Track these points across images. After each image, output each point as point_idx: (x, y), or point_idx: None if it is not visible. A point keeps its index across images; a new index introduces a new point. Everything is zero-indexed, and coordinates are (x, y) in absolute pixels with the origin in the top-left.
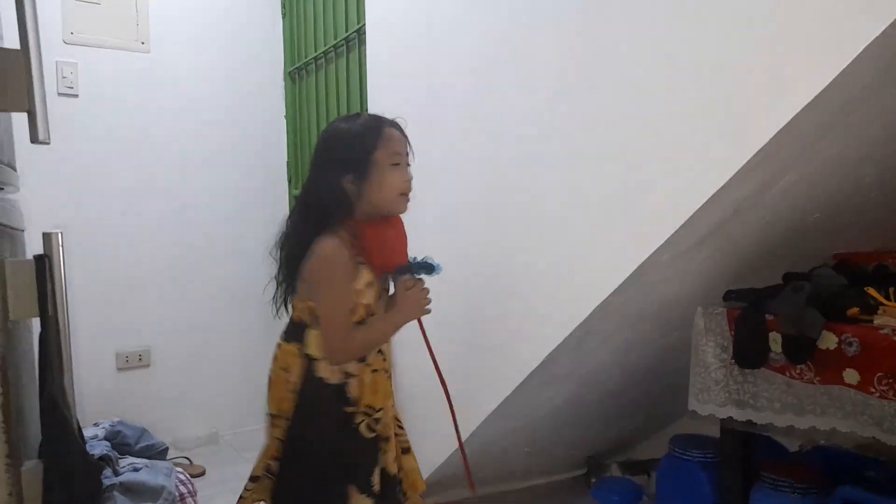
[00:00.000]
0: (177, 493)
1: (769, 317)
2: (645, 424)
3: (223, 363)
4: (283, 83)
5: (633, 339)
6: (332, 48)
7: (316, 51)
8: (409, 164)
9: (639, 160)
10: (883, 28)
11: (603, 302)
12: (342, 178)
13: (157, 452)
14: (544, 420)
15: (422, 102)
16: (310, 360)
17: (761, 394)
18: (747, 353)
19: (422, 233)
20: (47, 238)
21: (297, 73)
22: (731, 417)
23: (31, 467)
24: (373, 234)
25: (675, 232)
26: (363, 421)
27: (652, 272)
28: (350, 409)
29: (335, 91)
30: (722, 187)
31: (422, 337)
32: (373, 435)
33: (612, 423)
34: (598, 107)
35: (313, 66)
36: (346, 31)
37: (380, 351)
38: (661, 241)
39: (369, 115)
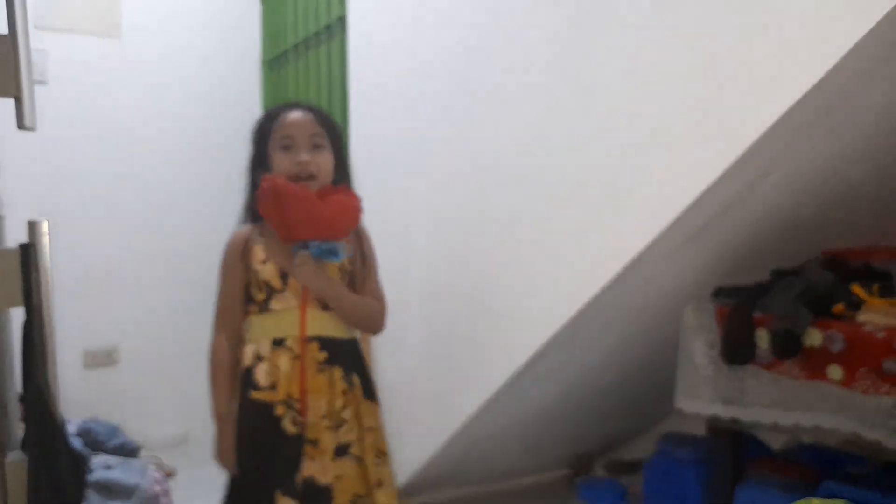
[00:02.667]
0: (151, 492)
1: (758, 314)
2: (633, 423)
3: (194, 361)
4: (260, 72)
5: (622, 336)
6: (312, 36)
7: (296, 38)
8: (316, 146)
9: (628, 157)
10: (868, 28)
11: (591, 299)
12: (260, 172)
13: (129, 451)
14: (530, 419)
15: (405, 92)
16: None
17: (748, 390)
18: (734, 349)
19: (407, 226)
20: (32, 226)
21: (275, 62)
22: (716, 415)
23: (15, 459)
24: (274, 204)
25: (665, 229)
26: (286, 414)
27: (641, 269)
28: (258, 395)
29: (316, 79)
30: (711, 184)
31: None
32: (296, 429)
33: (599, 421)
34: (588, 102)
35: (292, 54)
36: (328, 19)
37: (316, 339)
38: (651, 238)
39: (282, 103)
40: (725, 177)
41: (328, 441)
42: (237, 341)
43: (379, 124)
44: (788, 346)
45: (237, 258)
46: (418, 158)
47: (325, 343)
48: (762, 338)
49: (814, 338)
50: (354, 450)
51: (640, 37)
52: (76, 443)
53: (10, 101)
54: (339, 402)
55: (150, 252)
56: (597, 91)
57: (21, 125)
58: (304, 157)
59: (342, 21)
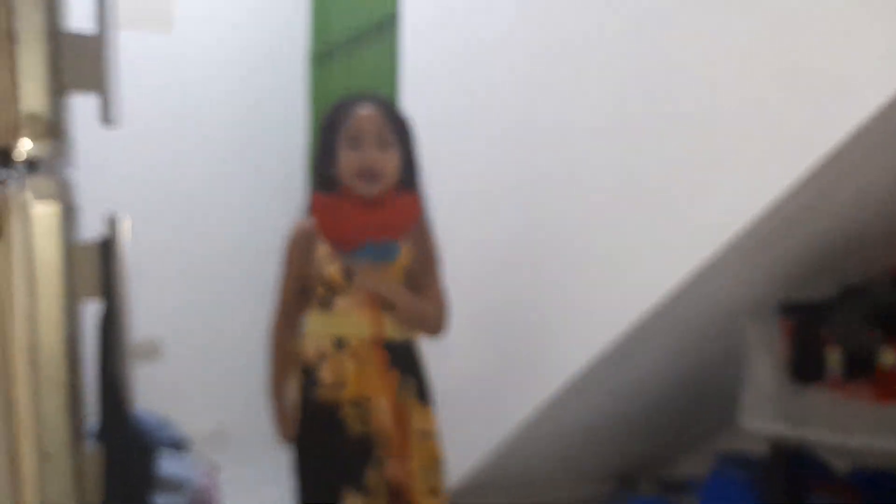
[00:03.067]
0: (200, 487)
1: (826, 331)
2: (682, 440)
3: (235, 355)
4: (307, 67)
5: (675, 351)
6: (362, 33)
7: (345, 35)
8: (383, 145)
9: (698, 162)
10: None
11: (646, 313)
12: (326, 165)
13: (179, 444)
14: (578, 431)
15: (459, 88)
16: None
17: (815, 410)
18: (803, 367)
19: (456, 230)
20: (112, 221)
21: (323, 58)
22: (782, 434)
23: (91, 449)
24: (321, 209)
25: (731, 238)
26: (353, 414)
27: (700, 284)
28: (323, 394)
29: (365, 78)
30: (781, 196)
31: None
32: (364, 430)
33: (648, 437)
34: (657, 102)
35: (341, 50)
36: (379, 16)
37: (378, 342)
38: (714, 250)
39: (354, 95)
40: (797, 188)
41: (397, 439)
42: (294, 325)
43: (429, 125)
44: (860, 367)
45: (301, 247)
46: (471, 161)
47: (387, 345)
48: (831, 357)
49: (887, 358)
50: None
51: (712, 42)
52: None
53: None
54: (398, 403)
55: (196, 244)
56: (660, 97)
57: (105, 121)
58: (371, 155)
59: (394, 18)
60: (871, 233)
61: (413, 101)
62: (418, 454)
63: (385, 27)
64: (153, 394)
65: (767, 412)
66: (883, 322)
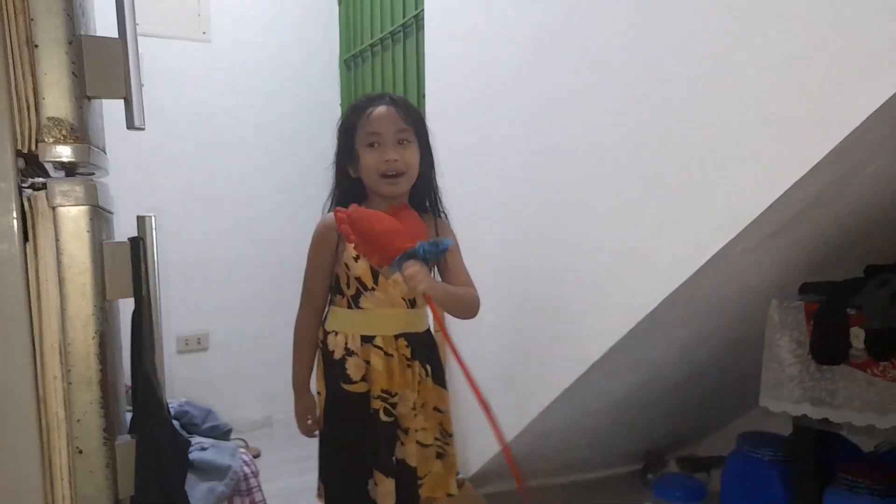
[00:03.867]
0: (241, 474)
1: (851, 311)
2: (707, 420)
3: (279, 347)
4: (338, 70)
5: (702, 330)
6: (388, 35)
7: (372, 38)
8: (402, 142)
9: (717, 144)
10: None
11: (673, 292)
12: (347, 166)
13: (222, 433)
14: (604, 412)
15: (480, 90)
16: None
17: (839, 391)
18: (826, 348)
19: (480, 217)
20: (141, 221)
21: (352, 61)
22: (805, 415)
23: (125, 443)
24: (360, 232)
25: (754, 220)
26: (381, 406)
27: (723, 264)
28: (350, 388)
29: (391, 78)
30: (805, 175)
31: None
32: (391, 419)
33: (673, 417)
34: (673, 87)
35: (369, 53)
36: (404, 18)
37: (401, 337)
38: (738, 231)
39: (368, 95)
40: (818, 169)
41: (413, 427)
42: (320, 318)
43: (454, 119)
44: (886, 346)
45: (326, 242)
46: (493, 153)
47: (410, 339)
48: (856, 337)
49: None
50: (420, 436)
51: (730, 22)
52: (175, 425)
53: (116, 104)
54: (420, 393)
55: (239, 243)
56: (677, 79)
57: (131, 125)
58: (392, 154)
59: (418, 19)
60: (893, 213)
61: (436, 98)
62: (432, 427)
63: (409, 28)
64: (202, 384)
65: (790, 394)
66: None
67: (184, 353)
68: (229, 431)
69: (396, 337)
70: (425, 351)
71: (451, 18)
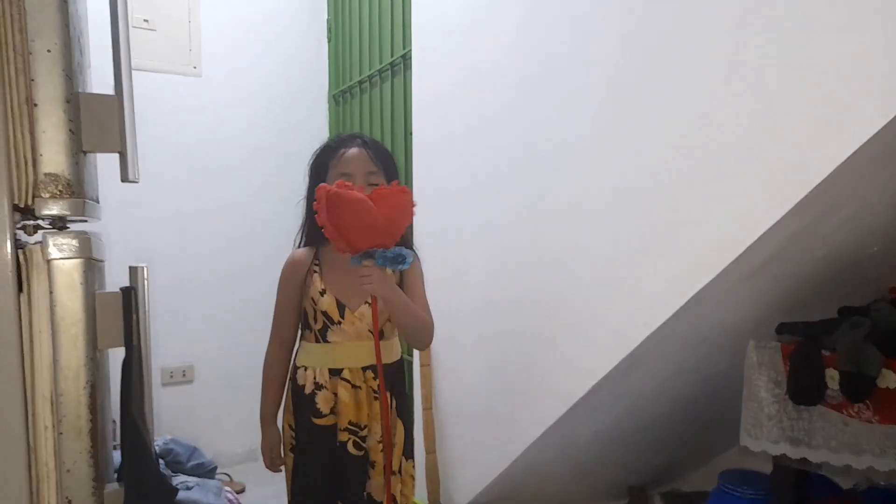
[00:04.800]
0: None
1: (826, 352)
2: (690, 455)
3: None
4: (326, 105)
5: (682, 368)
6: (376, 72)
7: (361, 74)
8: (371, 180)
9: (696, 188)
10: None
11: (655, 331)
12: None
13: (207, 471)
14: (587, 448)
15: (467, 128)
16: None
17: (816, 431)
18: (803, 389)
19: (465, 253)
20: (133, 271)
21: (341, 96)
22: (784, 455)
23: (113, 491)
24: (334, 216)
25: (732, 262)
26: (349, 439)
27: (703, 303)
28: (319, 422)
29: (379, 115)
30: (781, 218)
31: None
32: (360, 453)
33: (656, 452)
34: (654, 130)
35: (357, 89)
36: (392, 56)
37: (368, 369)
38: (717, 272)
39: (340, 135)
40: (795, 211)
41: (380, 461)
42: (289, 352)
43: (440, 155)
44: (860, 388)
45: (294, 278)
46: (478, 189)
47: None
48: (832, 378)
49: (889, 380)
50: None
51: (706, 66)
52: (162, 470)
53: None
54: (388, 426)
55: (225, 274)
56: (660, 121)
57: (125, 178)
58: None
59: (406, 58)
60: (868, 253)
61: (423, 134)
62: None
63: (397, 67)
64: (187, 417)
65: (768, 433)
66: (883, 343)
67: (168, 386)
68: (214, 469)
69: (364, 369)
70: (394, 382)
71: (438, 59)
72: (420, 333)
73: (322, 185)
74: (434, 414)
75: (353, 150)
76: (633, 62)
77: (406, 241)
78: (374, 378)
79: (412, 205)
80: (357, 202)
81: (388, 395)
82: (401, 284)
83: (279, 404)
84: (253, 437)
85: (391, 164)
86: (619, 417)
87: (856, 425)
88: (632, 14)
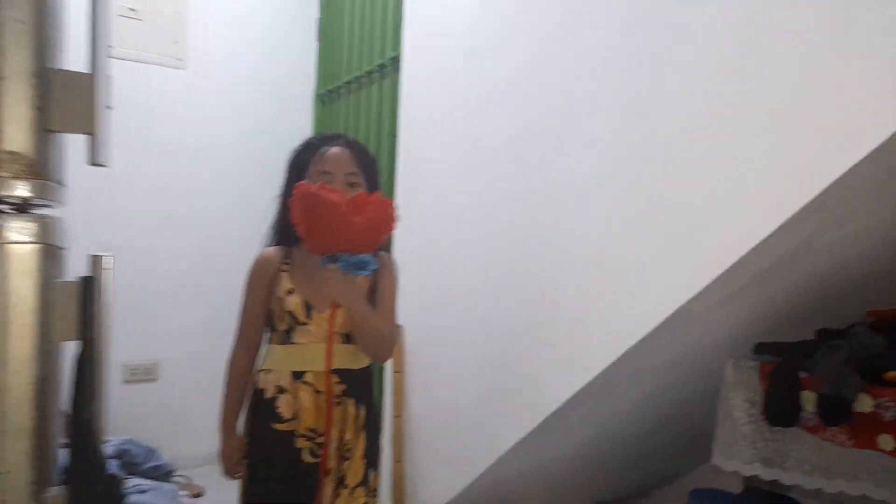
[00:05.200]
0: None
1: (803, 375)
2: (660, 472)
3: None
4: (312, 105)
5: (657, 386)
6: (365, 74)
7: (349, 75)
8: (352, 185)
9: (682, 207)
10: None
11: (630, 348)
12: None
13: (163, 474)
14: (558, 462)
15: (454, 132)
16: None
17: (790, 453)
18: (779, 410)
19: (451, 265)
20: (95, 260)
21: (328, 96)
22: (756, 476)
23: (56, 494)
24: (308, 216)
25: (713, 281)
26: (306, 446)
27: (684, 321)
28: (281, 427)
29: (365, 117)
30: (764, 239)
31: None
32: (315, 460)
33: (628, 469)
34: (644, 149)
35: (345, 89)
36: (382, 58)
37: (334, 372)
38: (698, 290)
39: (324, 133)
40: (781, 232)
41: (335, 471)
42: (254, 356)
43: (427, 161)
44: (837, 412)
45: (263, 277)
46: (465, 199)
47: (343, 375)
48: (808, 400)
49: (864, 404)
50: (351, 488)
51: (708, 82)
52: (113, 464)
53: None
54: (349, 434)
55: (195, 270)
56: (658, 136)
57: (93, 161)
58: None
59: (396, 61)
60: (851, 276)
61: (410, 138)
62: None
63: (386, 69)
64: (148, 416)
65: (742, 453)
66: (860, 367)
67: (131, 384)
68: (171, 472)
69: (330, 373)
70: (361, 390)
71: (428, 63)
72: (376, 347)
73: (303, 182)
74: (405, 421)
75: (336, 149)
76: (637, 72)
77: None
78: (339, 383)
79: (393, 218)
80: (334, 205)
81: (355, 403)
82: (373, 290)
83: (240, 409)
84: (216, 439)
85: (374, 169)
86: (591, 433)
87: (830, 449)
88: (638, 23)
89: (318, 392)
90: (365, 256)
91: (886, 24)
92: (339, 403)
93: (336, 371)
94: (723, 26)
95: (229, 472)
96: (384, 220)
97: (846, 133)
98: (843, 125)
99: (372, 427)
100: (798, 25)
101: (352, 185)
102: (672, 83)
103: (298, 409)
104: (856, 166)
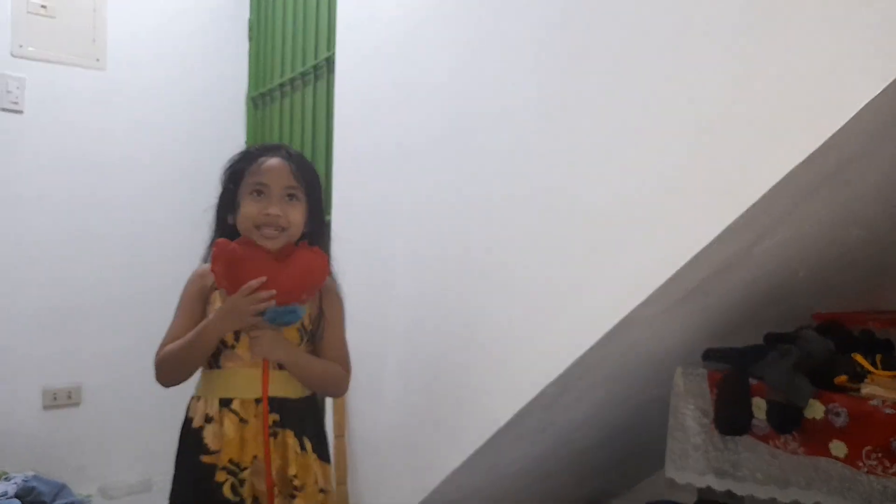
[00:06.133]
0: None
1: (753, 381)
2: (615, 482)
3: (161, 403)
4: (245, 108)
5: (609, 395)
6: (299, 75)
7: (282, 77)
8: (289, 198)
9: (624, 212)
10: (882, 87)
11: (579, 358)
12: (227, 213)
13: None
14: (510, 478)
15: (393, 136)
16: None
17: (743, 463)
18: (729, 418)
19: (390, 274)
20: None
21: (260, 99)
22: (709, 487)
23: None
24: (232, 274)
25: (660, 287)
26: (227, 480)
27: (632, 328)
28: (208, 460)
29: (300, 120)
30: (710, 243)
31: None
32: (237, 499)
33: (581, 481)
34: (582, 153)
35: (278, 92)
36: (315, 59)
37: (258, 401)
38: (644, 297)
39: (264, 144)
40: (724, 236)
41: None
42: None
43: (364, 166)
44: (788, 419)
45: (200, 292)
46: (404, 203)
47: (277, 404)
48: (759, 407)
49: (815, 410)
50: None
51: (638, 86)
52: None
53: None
54: (292, 469)
55: (120, 287)
56: (588, 142)
57: None
58: (274, 210)
59: (330, 62)
60: (796, 280)
61: (345, 141)
62: None
63: (320, 70)
64: (71, 444)
65: (694, 464)
66: (811, 373)
67: (51, 409)
68: None
69: (258, 401)
70: (301, 421)
71: (363, 63)
72: (326, 387)
73: (221, 239)
74: (347, 442)
75: (275, 161)
76: (566, 74)
77: (316, 243)
78: (272, 411)
79: (325, 270)
80: (259, 263)
81: (294, 435)
82: (318, 322)
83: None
84: (148, 465)
85: (315, 183)
86: (543, 447)
87: (782, 457)
88: (565, 27)
89: (242, 421)
90: (291, 306)
91: (818, 24)
92: (273, 435)
93: (270, 399)
94: (651, 27)
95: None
96: (312, 273)
97: (783, 137)
98: (780, 128)
99: (326, 458)
100: (724, 27)
101: (290, 197)
102: (603, 85)
103: (223, 440)
104: (791, 172)
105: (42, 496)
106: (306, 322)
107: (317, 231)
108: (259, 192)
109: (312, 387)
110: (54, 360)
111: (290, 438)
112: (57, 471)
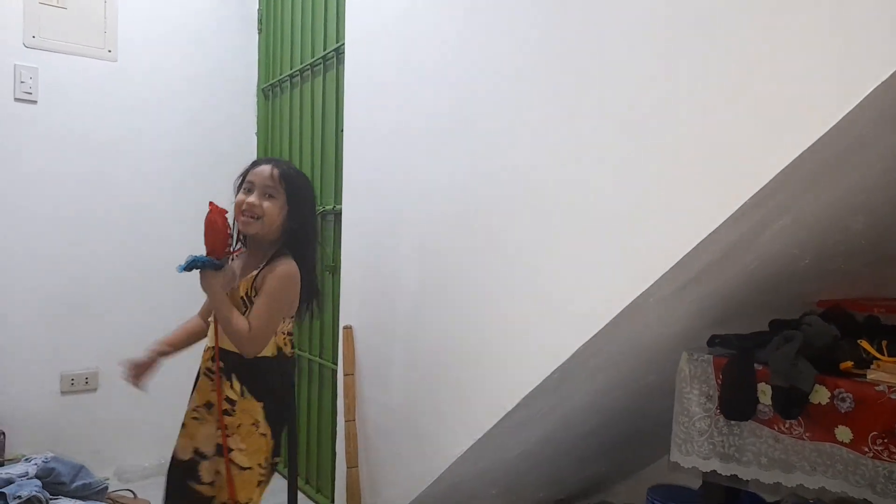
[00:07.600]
0: None
1: (758, 367)
2: (618, 468)
3: (175, 388)
4: (255, 99)
5: (613, 381)
6: (308, 66)
7: (292, 68)
8: (268, 195)
9: (630, 199)
10: (889, 73)
11: (585, 343)
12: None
13: (94, 492)
14: (515, 462)
15: (401, 126)
16: None
17: (747, 447)
18: (734, 403)
19: (397, 261)
20: None
21: (270, 90)
22: (714, 471)
23: None
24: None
25: (665, 273)
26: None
27: (639, 313)
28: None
29: (310, 110)
30: (715, 230)
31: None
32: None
33: (585, 465)
34: (588, 139)
35: (288, 83)
36: (325, 50)
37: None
38: (650, 283)
39: (267, 158)
40: (730, 222)
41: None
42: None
43: (372, 154)
44: (793, 404)
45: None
46: (412, 191)
47: (223, 354)
48: (764, 393)
49: (821, 395)
50: (237, 457)
51: (643, 75)
52: (34, 485)
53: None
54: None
55: (135, 274)
56: (597, 129)
57: None
58: (254, 199)
59: (339, 52)
60: (800, 266)
61: (355, 131)
62: (253, 449)
63: (330, 61)
64: (89, 428)
65: (699, 449)
66: (815, 358)
67: (69, 394)
68: (104, 490)
69: (211, 349)
70: (258, 380)
71: (372, 53)
72: (230, 335)
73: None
74: (358, 426)
75: (263, 166)
76: (573, 61)
77: (300, 238)
78: (213, 360)
79: (215, 230)
80: (212, 223)
81: (231, 386)
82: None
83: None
84: (162, 448)
85: (297, 188)
86: (548, 431)
87: (787, 442)
88: (573, 17)
89: (195, 419)
90: (192, 257)
91: (825, 10)
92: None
93: (221, 349)
94: (653, 5)
95: (132, 381)
96: (206, 230)
97: (789, 124)
98: (785, 115)
99: (275, 423)
100: (730, 11)
101: (269, 195)
102: (608, 76)
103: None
104: (797, 159)
105: (61, 476)
106: (250, 291)
107: (298, 228)
108: (247, 189)
109: (225, 332)
110: (72, 347)
111: (230, 386)
112: (74, 455)
